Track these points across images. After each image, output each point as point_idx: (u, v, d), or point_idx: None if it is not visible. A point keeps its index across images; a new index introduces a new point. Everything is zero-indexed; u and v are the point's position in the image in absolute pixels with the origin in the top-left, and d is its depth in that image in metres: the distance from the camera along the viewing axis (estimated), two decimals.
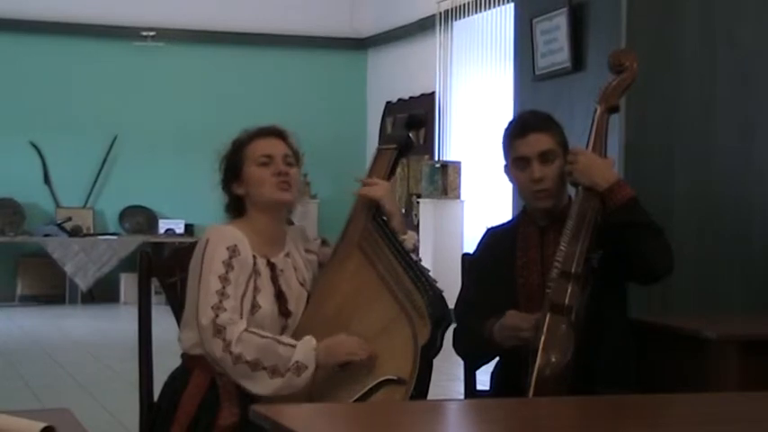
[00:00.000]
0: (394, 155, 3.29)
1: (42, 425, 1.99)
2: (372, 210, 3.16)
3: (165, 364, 3.20)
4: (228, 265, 3.04)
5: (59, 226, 12.00)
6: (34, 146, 12.22)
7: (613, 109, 3.28)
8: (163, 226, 12.43)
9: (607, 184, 3.14)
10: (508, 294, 3.24)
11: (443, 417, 2.38)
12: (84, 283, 11.79)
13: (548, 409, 2.50)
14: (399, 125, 3.40)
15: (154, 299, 3.29)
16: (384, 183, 3.21)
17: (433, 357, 2.93)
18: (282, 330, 3.11)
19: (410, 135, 3.36)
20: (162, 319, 3.45)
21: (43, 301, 11.92)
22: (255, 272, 3.10)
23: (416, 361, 2.87)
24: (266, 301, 3.09)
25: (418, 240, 3.25)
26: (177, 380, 3.10)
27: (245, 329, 2.97)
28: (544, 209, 3.28)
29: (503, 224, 3.53)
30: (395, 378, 2.88)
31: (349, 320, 3.04)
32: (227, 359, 2.95)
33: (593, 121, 3.26)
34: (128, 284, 11.81)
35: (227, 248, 3.06)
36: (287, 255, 3.20)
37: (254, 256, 3.11)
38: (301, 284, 3.19)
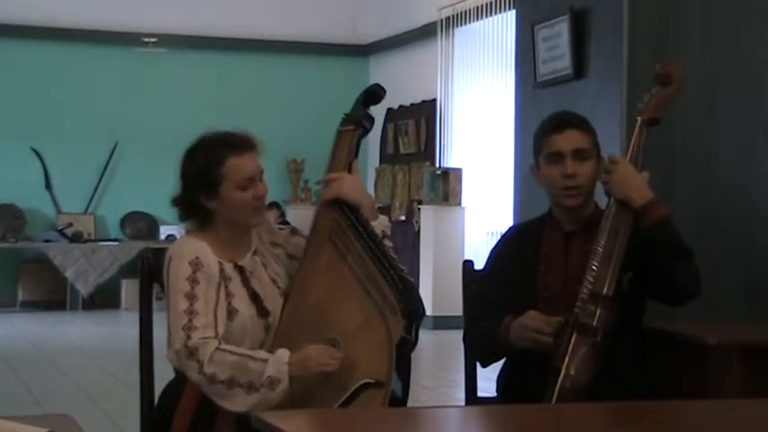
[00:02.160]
0: (355, 135, 3.23)
1: (44, 431, 1.99)
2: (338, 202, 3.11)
3: (166, 369, 3.19)
4: (193, 281, 2.99)
5: (60, 232, 12.00)
6: (35, 151, 12.23)
7: (654, 121, 3.24)
8: (164, 232, 12.42)
9: (642, 201, 3.11)
10: (527, 297, 3.21)
11: (444, 423, 2.37)
12: (84, 289, 11.79)
13: (557, 414, 2.49)
14: (356, 103, 3.29)
15: (155, 305, 3.28)
16: (343, 176, 3.15)
17: (410, 353, 2.90)
18: (266, 330, 3.08)
19: (369, 111, 3.27)
20: (163, 324, 3.43)
21: (44, 306, 11.92)
22: (225, 278, 3.05)
23: (392, 361, 2.85)
24: (242, 304, 3.05)
25: (388, 225, 3.20)
26: (172, 391, 3.07)
27: (217, 348, 2.93)
28: (571, 208, 3.24)
29: (527, 222, 3.49)
30: (373, 381, 2.86)
31: (327, 321, 3.01)
32: (203, 381, 2.92)
33: (632, 132, 3.23)
34: (129, 290, 11.82)
35: (190, 263, 3.01)
36: (254, 253, 3.16)
37: (220, 263, 3.06)
38: (273, 281, 3.14)
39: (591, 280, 3.02)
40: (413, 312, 2.89)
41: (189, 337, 2.93)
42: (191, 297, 2.98)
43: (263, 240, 3.21)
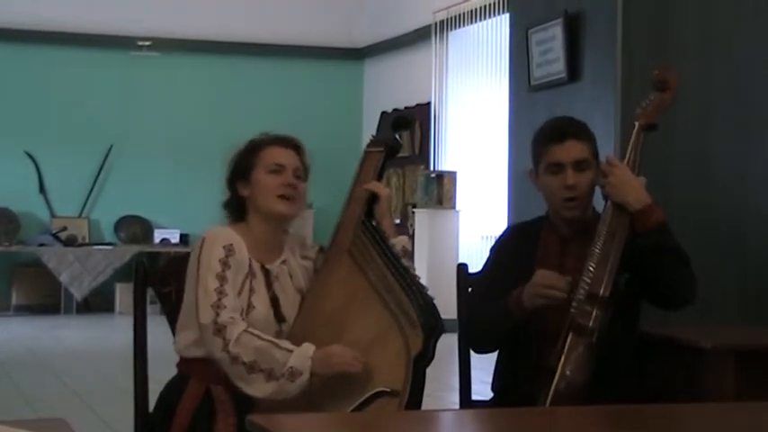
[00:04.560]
0: (381, 157, 3.26)
1: None
2: (362, 215, 3.15)
3: (161, 373, 3.19)
4: (225, 264, 3.03)
5: (54, 236, 11.98)
6: (29, 155, 12.21)
7: (652, 127, 3.23)
8: (158, 236, 12.41)
9: (639, 206, 3.10)
10: None
11: (441, 427, 2.37)
12: (79, 293, 11.77)
13: (552, 417, 2.49)
14: (386, 126, 3.37)
15: (149, 309, 3.28)
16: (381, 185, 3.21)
17: (426, 367, 2.92)
18: (277, 336, 3.09)
19: (397, 136, 3.32)
20: (157, 328, 3.44)
21: (38, 310, 11.90)
22: (251, 273, 3.09)
23: (409, 372, 2.87)
24: (261, 303, 3.08)
25: (408, 243, 3.24)
26: (172, 391, 3.08)
27: (245, 330, 2.96)
28: (570, 218, 3.25)
29: (525, 223, 3.47)
30: (388, 390, 2.88)
31: (341, 329, 3.03)
32: (225, 359, 2.94)
33: (630, 136, 3.22)
34: (123, 294, 11.80)
35: (224, 247, 3.05)
36: (283, 262, 3.19)
37: (250, 259, 3.10)
38: (298, 291, 3.18)
39: (588, 281, 3.03)
40: (432, 328, 2.91)
41: (218, 314, 2.96)
42: (221, 278, 3.01)
43: (295, 254, 3.24)
